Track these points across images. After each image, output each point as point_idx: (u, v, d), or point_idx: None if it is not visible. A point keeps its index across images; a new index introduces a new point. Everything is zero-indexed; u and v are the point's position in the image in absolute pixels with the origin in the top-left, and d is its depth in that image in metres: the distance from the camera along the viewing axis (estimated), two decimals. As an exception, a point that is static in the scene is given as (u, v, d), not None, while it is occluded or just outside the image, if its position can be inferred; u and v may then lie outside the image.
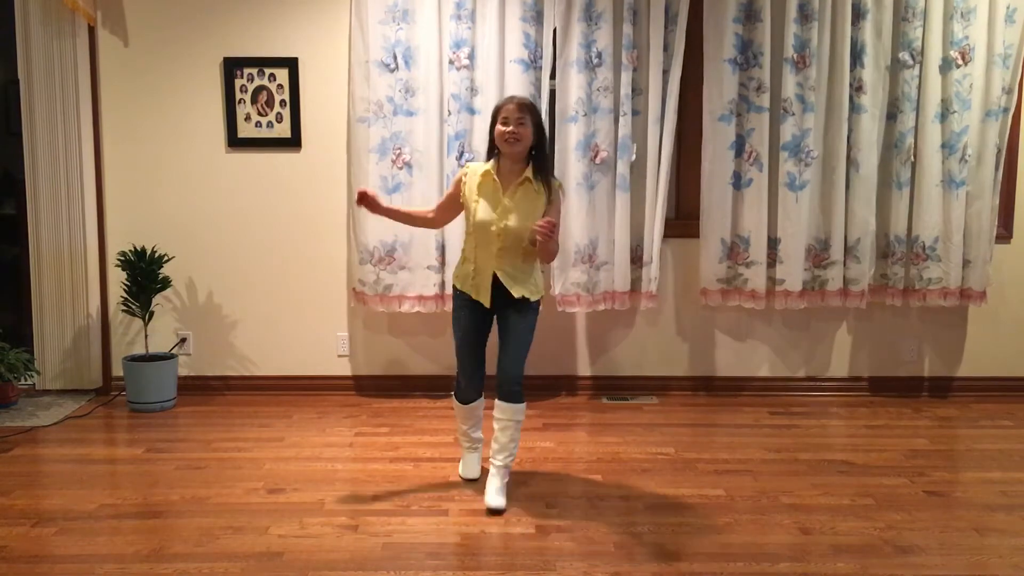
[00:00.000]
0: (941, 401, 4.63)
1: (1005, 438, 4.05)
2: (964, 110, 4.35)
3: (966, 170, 4.39)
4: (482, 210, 3.17)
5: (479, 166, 3.25)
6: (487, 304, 3.21)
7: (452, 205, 3.34)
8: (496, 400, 3.21)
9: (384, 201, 3.52)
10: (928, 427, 4.22)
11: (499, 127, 3.12)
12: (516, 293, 3.18)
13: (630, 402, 4.54)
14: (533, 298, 3.23)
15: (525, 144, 3.13)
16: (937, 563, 2.77)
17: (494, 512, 3.13)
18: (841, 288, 4.48)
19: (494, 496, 3.17)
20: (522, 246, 3.17)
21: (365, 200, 3.27)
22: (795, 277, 4.44)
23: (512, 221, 3.13)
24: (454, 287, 3.32)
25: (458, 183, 3.27)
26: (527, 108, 3.13)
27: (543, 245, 3.06)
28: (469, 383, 3.33)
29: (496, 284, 3.18)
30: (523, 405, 3.23)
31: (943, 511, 3.17)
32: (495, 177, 3.18)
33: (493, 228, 3.15)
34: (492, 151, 3.22)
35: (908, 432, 4.13)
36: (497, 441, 3.24)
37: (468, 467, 3.49)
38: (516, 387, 3.19)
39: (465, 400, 3.39)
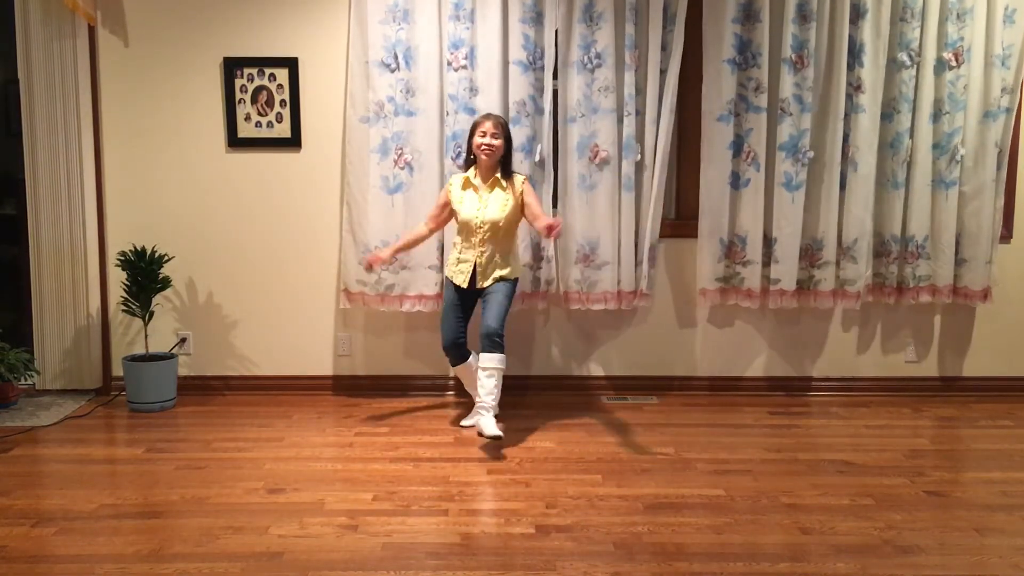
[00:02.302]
0: (941, 401, 4.63)
1: (1005, 438, 4.05)
2: (956, 111, 4.37)
3: (957, 170, 4.41)
4: (465, 208, 3.92)
5: (459, 176, 4.01)
6: (463, 285, 3.91)
7: (441, 212, 4.06)
8: (480, 352, 3.86)
9: (378, 241, 4.32)
10: (928, 427, 4.22)
11: (477, 139, 3.88)
12: (490, 281, 3.90)
13: (630, 402, 4.54)
14: (510, 278, 3.95)
15: (498, 155, 3.90)
16: (937, 563, 2.77)
17: (495, 439, 3.74)
18: (834, 288, 4.48)
19: (492, 428, 3.76)
20: (500, 234, 3.89)
21: (378, 262, 4.04)
22: (790, 276, 4.45)
23: (488, 214, 3.87)
24: (445, 275, 4.07)
25: (446, 192, 4.02)
26: (501, 125, 3.92)
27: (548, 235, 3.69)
28: (449, 348, 4.00)
29: (474, 273, 3.91)
30: (501, 355, 3.84)
31: (943, 511, 3.17)
32: (472, 180, 3.94)
33: (475, 221, 3.88)
34: (469, 157, 3.98)
35: (908, 432, 4.13)
36: (483, 387, 3.86)
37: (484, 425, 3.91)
38: (495, 339, 3.80)
39: (451, 363, 4.10)
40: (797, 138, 4.36)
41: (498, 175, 3.91)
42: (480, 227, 3.87)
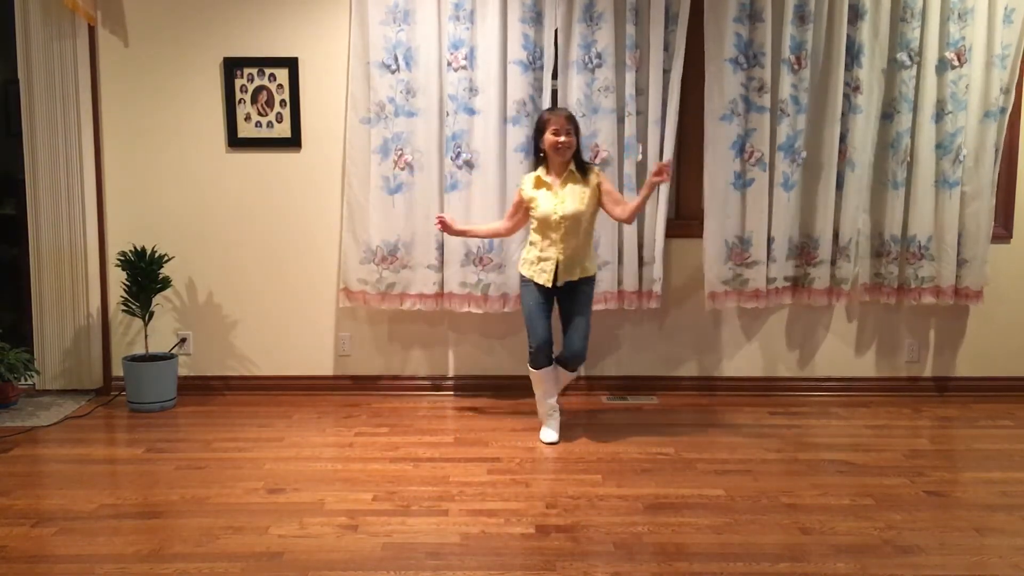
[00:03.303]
0: (941, 401, 4.63)
1: (1005, 438, 4.05)
2: (959, 111, 4.37)
3: (960, 170, 4.41)
4: (542, 204, 3.79)
5: (529, 176, 3.91)
6: (547, 284, 3.81)
7: (516, 213, 3.98)
8: (557, 366, 3.92)
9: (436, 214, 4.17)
10: (928, 427, 4.22)
11: (550, 137, 3.76)
12: (575, 276, 3.82)
13: (630, 402, 4.54)
14: (591, 273, 3.89)
15: (572, 150, 3.79)
16: (937, 563, 2.77)
17: (551, 443, 3.87)
18: (829, 287, 4.50)
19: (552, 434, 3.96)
20: (580, 228, 3.79)
21: (444, 227, 3.98)
22: (784, 275, 4.48)
23: (567, 208, 3.75)
24: (521, 275, 3.92)
25: (518, 193, 3.92)
26: (572, 120, 3.81)
27: (653, 186, 3.74)
28: (543, 347, 3.83)
29: (556, 268, 3.81)
30: (576, 372, 4.03)
31: (943, 511, 3.17)
32: (544, 178, 3.82)
33: (554, 217, 3.76)
34: (538, 156, 3.86)
35: (908, 432, 4.13)
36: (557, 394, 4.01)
37: (547, 433, 3.94)
38: (581, 360, 3.93)
39: (537, 366, 3.88)
40: (794, 138, 4.36)
41: (572, 169, 3.80)
42: (560, 223, 3.76)
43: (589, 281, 3.89)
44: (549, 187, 3.80)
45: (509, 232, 4.06)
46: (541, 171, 3.85)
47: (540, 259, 3.84)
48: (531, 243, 3.89)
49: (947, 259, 4.46)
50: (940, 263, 4.47)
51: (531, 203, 3.83)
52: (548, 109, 3.93)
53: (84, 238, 4.45)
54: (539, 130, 3.83)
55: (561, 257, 3.80)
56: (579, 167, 3.82)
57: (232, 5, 4.41)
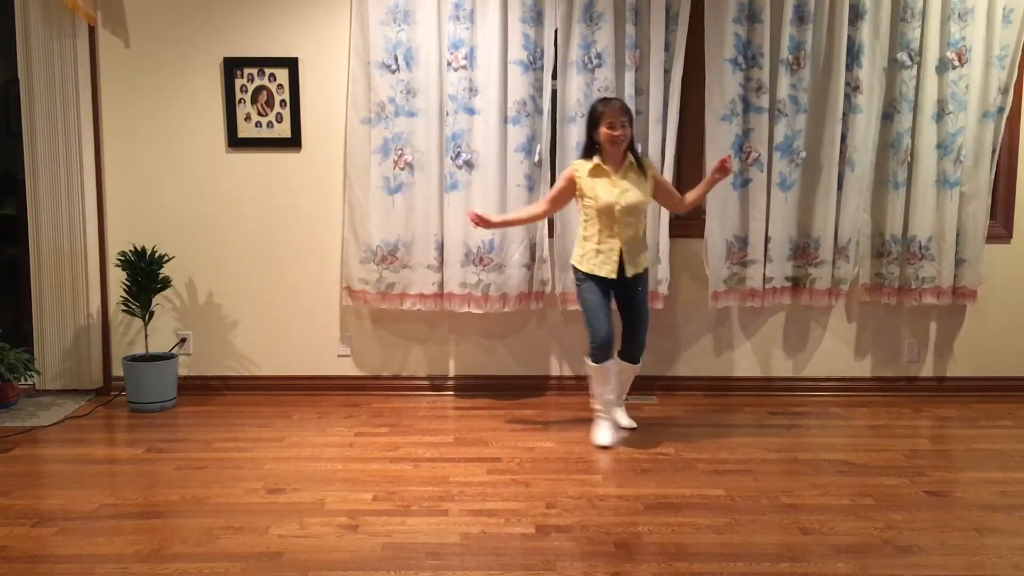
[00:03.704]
0: (941, 401, 4.63)
1: (1005, 438, 4.05)
2: (960, 111, 4.37)
3: (960, 170, 4.41)
4: (603, 194, 3.73)
5: (584, 163, 3.81)
6: (611, 275, 3.76)
7: (563, 197, 3.90)
8: (620, 360, 3.94)
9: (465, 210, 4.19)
10: (928, 427, 4.23)
11: (606, 130, 3.71)
12: (640, 268, 3.83)
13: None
14: (648, 263, 3.92)
15: (628, 141, 3.76)
16: (937, 563, 2.77)
17: (631, 430, 4.05)
18: (829, 287, 4.50)
19: (627, 420, 4.11)
20: (639, 219, 3.79)
21: (482, 222, 3.87)
22: (782, 275, 4.48)
23: (630, 198, 3.73)
24: (576, 270, 3.86)
25: (571, 179, 3.82)
26: (626, 110, 3.77)
27: (714, 182, 3.86)
28: (607, 342, 3.80)
29: (621, 260, 3.77)
30: (640, 364, 4.01)
31: (943, 511, 3.17)
32: (604, 167, 3.76)
33: (617, 207, 3.71)
34: (591, 148, 3.80)
35: (908, 432, 4.13)
36: (620, 387, 4.04)
37: (603, 434, 3.91)
38: (642, 354, 3.95)
39: (599, 360, 3.82)
40: (792, 138, 4.36)
41: (631, 159, 3.77)
42: (623, 213, 3.72)
43: (646, 273, 3.93)
44: (608, 177, 3.75)
45: (546, 215, 4.08)
46: (597, 160, 3.77)
47: (599, 251, 3.79)
48: (585, 237, 3.83)
49: (947, 259, 4.47)
50: (940, 263, 4.48)
51: (589, 193, 3.76)
52: (601, 100, 3.85)
53: (84, 238, 4.45)
54: (593, 122, 3.77)
55: (625, 248, 3.77)
56: (636, 157, 3.81)
57: (232, 5, 4.41)
